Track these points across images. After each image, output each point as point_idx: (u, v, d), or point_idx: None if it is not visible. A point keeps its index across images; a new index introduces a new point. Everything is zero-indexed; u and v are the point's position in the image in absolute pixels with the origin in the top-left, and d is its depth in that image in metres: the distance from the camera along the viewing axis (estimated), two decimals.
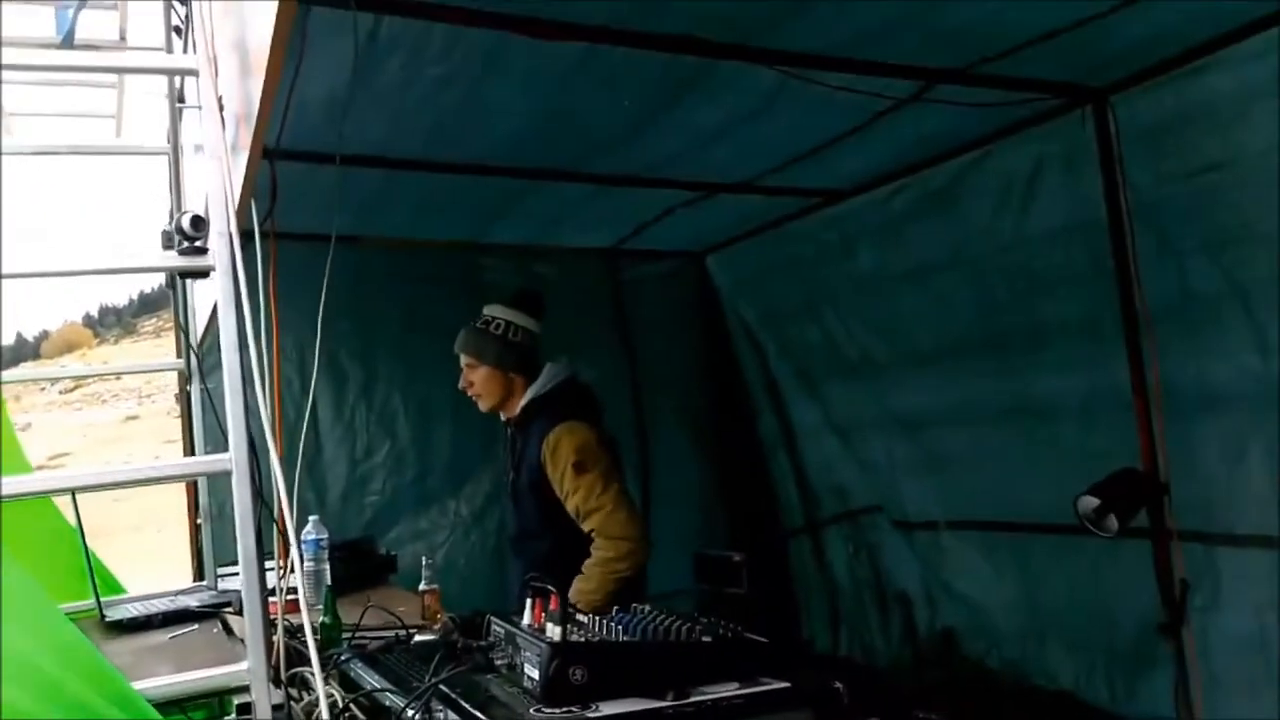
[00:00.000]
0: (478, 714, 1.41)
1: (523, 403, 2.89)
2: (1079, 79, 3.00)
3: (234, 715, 1.55)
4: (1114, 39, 2.62)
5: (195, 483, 3.92)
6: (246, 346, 1.60)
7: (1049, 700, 3.47)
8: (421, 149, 3.31)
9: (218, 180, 1.68)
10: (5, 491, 1.61)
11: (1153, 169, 2.94)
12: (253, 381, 1.63)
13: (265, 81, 1.54)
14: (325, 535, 2.95)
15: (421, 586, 2.86)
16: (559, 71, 2.71)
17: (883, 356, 4.20)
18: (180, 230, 1.69)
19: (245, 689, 1.56)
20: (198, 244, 1.67)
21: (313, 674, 1.88)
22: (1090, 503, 2.73)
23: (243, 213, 1.87)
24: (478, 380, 2.93)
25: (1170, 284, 2.94)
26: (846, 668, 4.38)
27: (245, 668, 1.56)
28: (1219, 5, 2.47)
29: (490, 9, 2.36)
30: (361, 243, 4.18)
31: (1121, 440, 3.07)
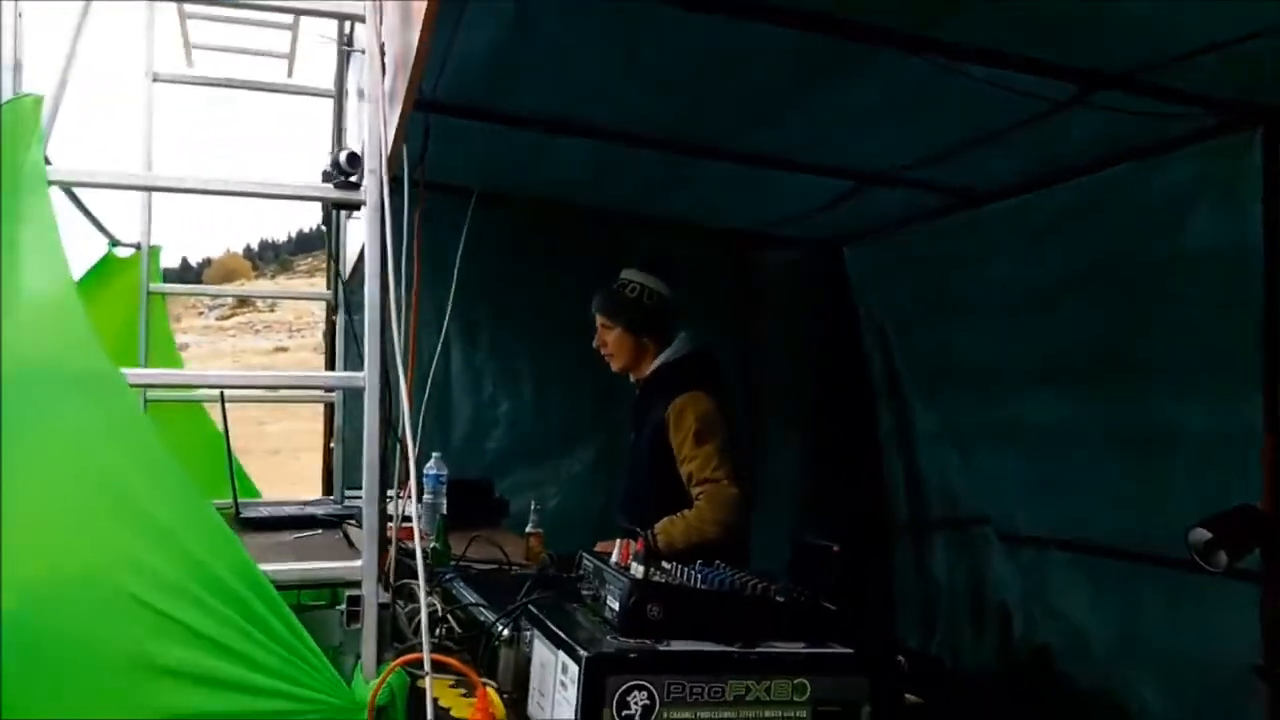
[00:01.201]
0: (560, 633, 1.52)
1: (653, 366, 2.97)
2: (1251, 97, 2.87)
3: (345, 605, 1.72)
4: None
5: (333, 409, 4.22)
6: (388, 274, 1.75)
7: None
8: (575, 113, 3.41)
9: (373, 122, 1.84)
10: (163, 382, 1.82)
11: None
12: (390, 313, 1.79)
13: (421, 32, 1.66)
14: (445, 472, 3.14)
15: (528, 529, 3.01)
16: (705, 48, 2.76)
17: (1007, 368, 4.11)
18: (337, 165, 1.86)
19: (357, 584, 1.73)
20: (352, 179, 1.84)
21: (417, 585, 2.07)
22: (1202, 535, 2.63)
23: (395, 158, 2.02)
24: (611, 340, 3.02)
25: None
26: (933, 666, 4.34)
27: (359, 564, 1.73)
28: None
29: None
30: (508, 202, 4.34)
31: (1242, 480, 2.96)
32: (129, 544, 1.48)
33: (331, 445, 4.17)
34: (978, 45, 2.64)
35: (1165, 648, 3.34)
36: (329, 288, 4.19)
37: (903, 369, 4.83)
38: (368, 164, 1.77)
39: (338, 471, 3.46)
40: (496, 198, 4.12)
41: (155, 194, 3.11)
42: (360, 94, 3.03)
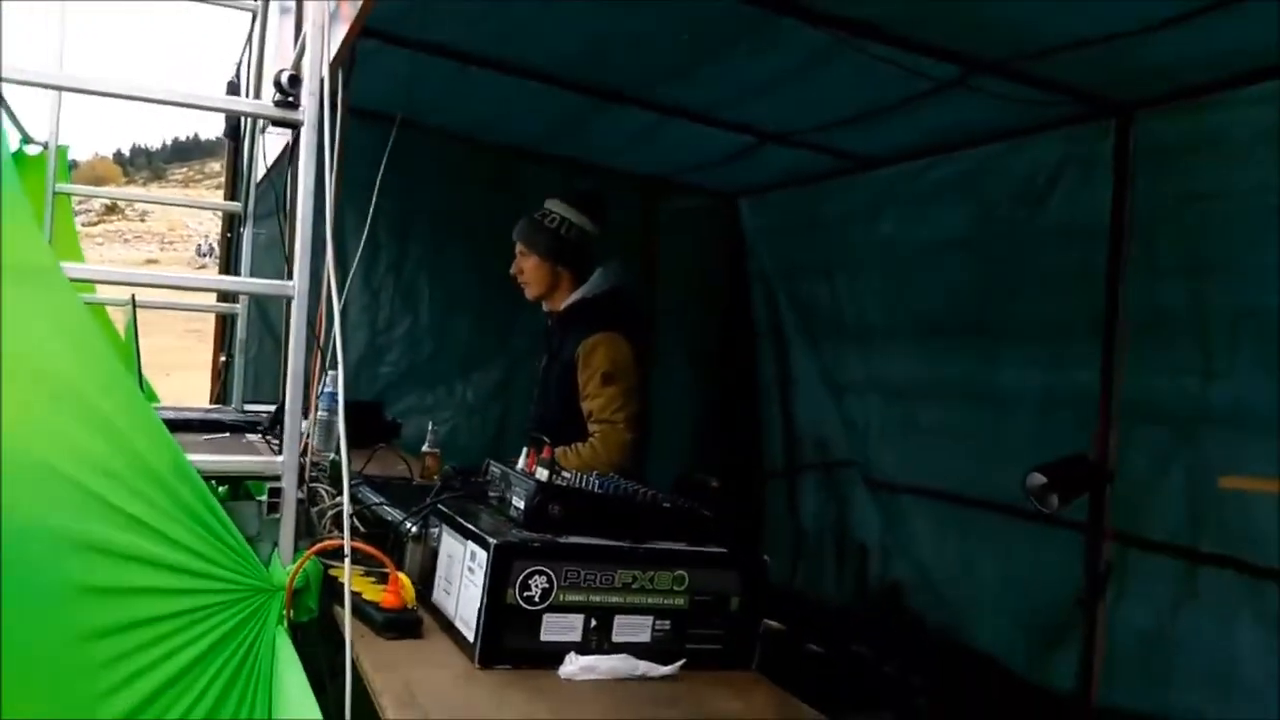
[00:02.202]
0: (469, 526, 1.70)
1: (569, 300, 2.99)
2: (1108, 92, 3.18)
3: (266, 497, 1.85)
4: (1145, 58, 2.80)
5: (226, 322, 4.23)
6: (325, 191, 1.86)
7: (972, 660, 3.77)
8: (493, 48, 3.49)
9: (314, 45, 1.93)
10: (86, 277, 1.89)
11: (1159, 189, 3.14)
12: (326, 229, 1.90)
13: None
14: (340, 390, 3.22)
15: (425, 448, 3.11)
16: None
17: (881, 323, 4.44)
18: (276, 84, 1.95)
19: (278, 477, 1.86)
20: (290, 99, 1.93)
21: (326, 489, 2.22)
22: (1038, 479, 2.98)
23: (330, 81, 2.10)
24: (527, 268, 3.01)
25: (1146, 299, 3.17)
26: (797, 599, 4.69)
27: (281, 460, 1.86)
28: (1239, 47, 2.65)
29: None
30: (422, 131, 4.35)
31: (1076, 437, 3.31)
32: (68, 428, 1.58)
33: (226, 357, 4.18)
34: (874, 23, 2.84)
35: (1001, 587, 3.74)
36: (231, 198, 4.18)
37: (786, 319, 5.11)
38: (308, 85, 1.87)
39: (237, 381, 3.51)
40: (411, 126, 4.14)
41: (64, 95, 3.06)
42: (284, 10, 3.06)
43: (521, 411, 4.15)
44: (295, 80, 1.91)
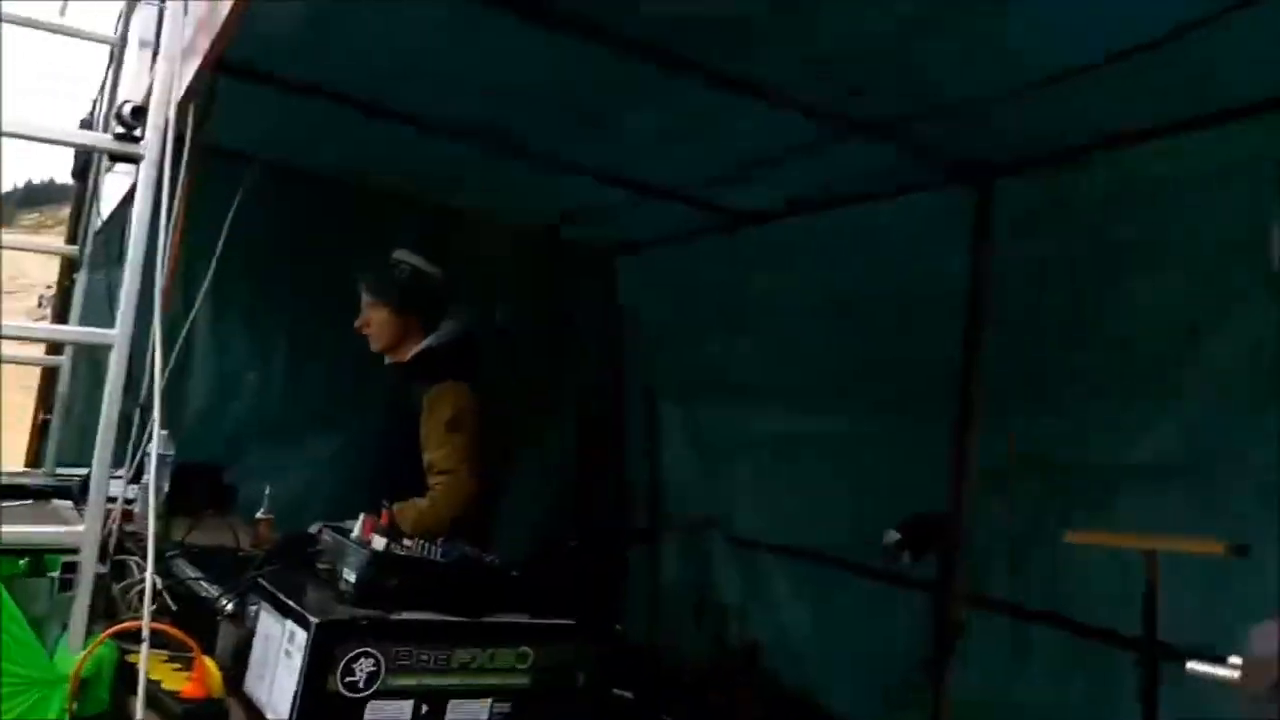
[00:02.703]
0: (289, 602, 1.54)
1: (415, 350, 2.94)
2: (973, 155, 3.27)
3: (59, 573, 1.64)
4: (1005, 127, 2.93)
5: (52, 375, 3.89)
6: (158, 232, 1.70)
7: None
8: (368, 90, 3.35)
9: (165, 77, 1.78)
10: None
11: (1017, 251, 3.23)
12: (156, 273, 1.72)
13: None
14: (171, 453, 2.96)
15: (259, 514, 2.90)
16: (514, 48, 2.81)
17: (748, 381, 4.45)
18: (119, 117, 1.78)
19: (75, 550, 1.65)
20: (134, 133, 1.76)
21: (137, 561, 2.00)
22: (892, 536, 2.99)
23: (180, 117, 1.95)
24: (376, 321, 2.97)
25: (1002, 360, 3.25)
26: (656, 659, 4.58)
27: (81, 529, 1.65)
28: (1089, 117, 2.79)
29: None
30: (285, 173, 4.18)
31: (936, 495, 3.34)
32: None
33: (46, 417, 3.84)
34: (762, 81, 2.86)
35: (852, 645, 3.74)
36: (71, 242, 3.87)
37: (658, 375, 5.09)
38: (152, 119, 1.71)
39: (52, 443, 3.19)
40: (274, 168, 3.97)
41: None
42: (143, 44, 2.85)
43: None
44: (139, 112, 1.74)
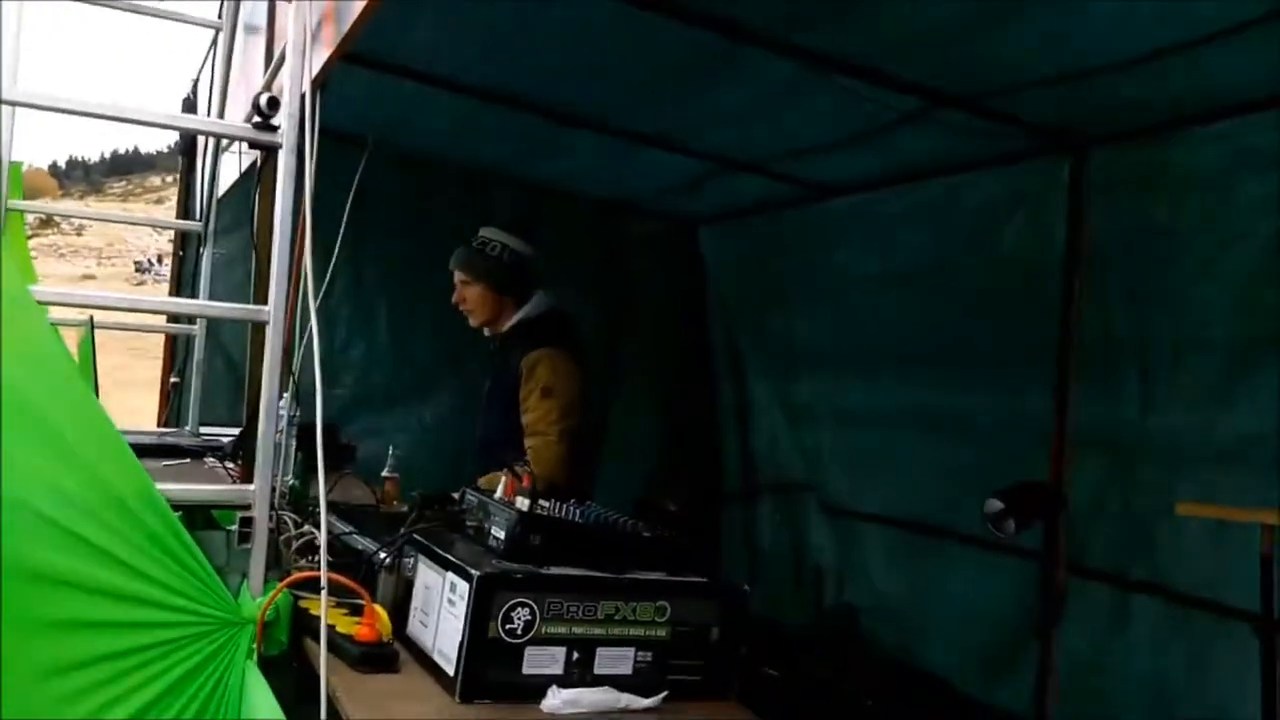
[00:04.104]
0: (449, 556, 1.68)
1: (511, 322, 3.08)
2: (1066, 128, 3.26)
3: (237, 526, 1.81)
4: (1103, 97, 2.89)
5: (176, 342, 4.15)
6: (302, 215, 1.84)
7: (925, 681, 3.82)
8: (457, 72, 3.49)
9: (295, 68, 1.91)
10: (59, 301, 1.84)
11: (1112, 223, 3.23)
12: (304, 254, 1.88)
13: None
14: (296, 413, 3.15)
15: (384, 473, 3.07)
16: (599, 24, 2.89)
17: (837, 352, 4.48)
18: (256, 106, 1.93)
19: (249, 506, 1.82)
20: (271, 121, 1.91)
21: (291, 516, 2.17)
22: (995, 505, 3.02)
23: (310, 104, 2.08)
24: (470, 297, 3.11)
25: (1098, 330, 3.25)
26: (753, 622, 4.69)
27: (253, 488, 1.82)
28: (1191, 88, 2.76)
29: None
30: (386, 153, 4.32)
31: (1031, 464, 3.36)
32: (34, 458, 1.52)
33: (175, 379, 4.10)
34: (841, 56, 2.89)
35: (950, 610, 3.79)
36: (184, 217, 4.10)
37: (743, 345, 5.15)
38: (286, 108, 1.85)
39: (193, 403, 3.43)
40: (375, 148, 4.12)
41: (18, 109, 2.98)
42: (249, 30, 3.02)
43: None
44: (274, 102, 1.89)
